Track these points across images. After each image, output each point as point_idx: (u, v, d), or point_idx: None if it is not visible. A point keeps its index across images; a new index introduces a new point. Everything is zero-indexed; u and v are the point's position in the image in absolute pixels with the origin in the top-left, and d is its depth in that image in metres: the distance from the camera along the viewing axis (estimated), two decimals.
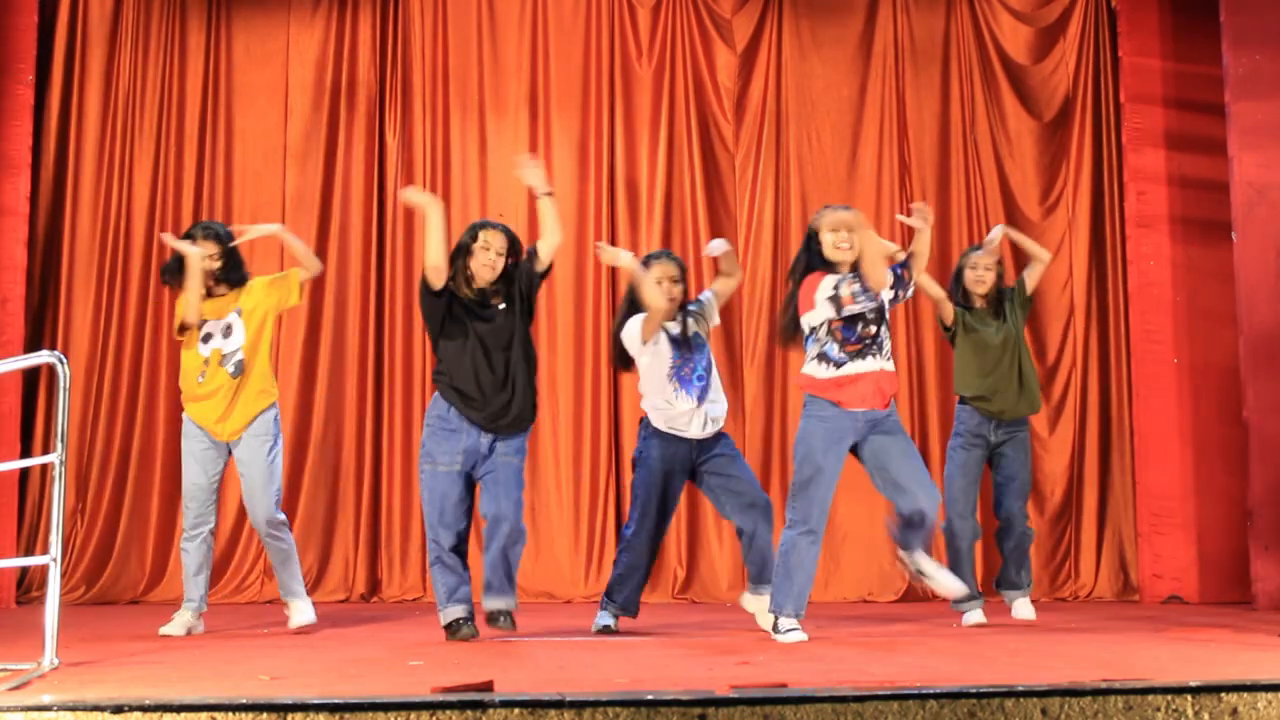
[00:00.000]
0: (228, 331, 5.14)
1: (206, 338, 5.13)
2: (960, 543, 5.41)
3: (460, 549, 4.64)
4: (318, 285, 7.34)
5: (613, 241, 7.51)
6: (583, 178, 7.56)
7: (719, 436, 5.09)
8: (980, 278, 5.52)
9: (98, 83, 7.48)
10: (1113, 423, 7.37)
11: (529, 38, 7.66)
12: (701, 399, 5.01)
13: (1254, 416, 6.25)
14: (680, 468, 5.06)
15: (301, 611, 5.10)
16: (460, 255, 4.75)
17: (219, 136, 7.53)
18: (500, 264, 4.74)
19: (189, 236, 5.21)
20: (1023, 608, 5.46)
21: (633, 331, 5.04)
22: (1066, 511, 7.31)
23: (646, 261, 5.12)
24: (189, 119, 7.52)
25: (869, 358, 4.59)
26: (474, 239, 4.74)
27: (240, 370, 5.10)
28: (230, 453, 5.14)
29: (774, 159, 7.59)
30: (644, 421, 5.12)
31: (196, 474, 5.07)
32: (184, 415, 5.15)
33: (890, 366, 4.65)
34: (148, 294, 7.35)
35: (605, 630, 5.03)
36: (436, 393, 4.74)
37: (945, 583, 4.69)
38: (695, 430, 5.02)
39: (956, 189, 7.56)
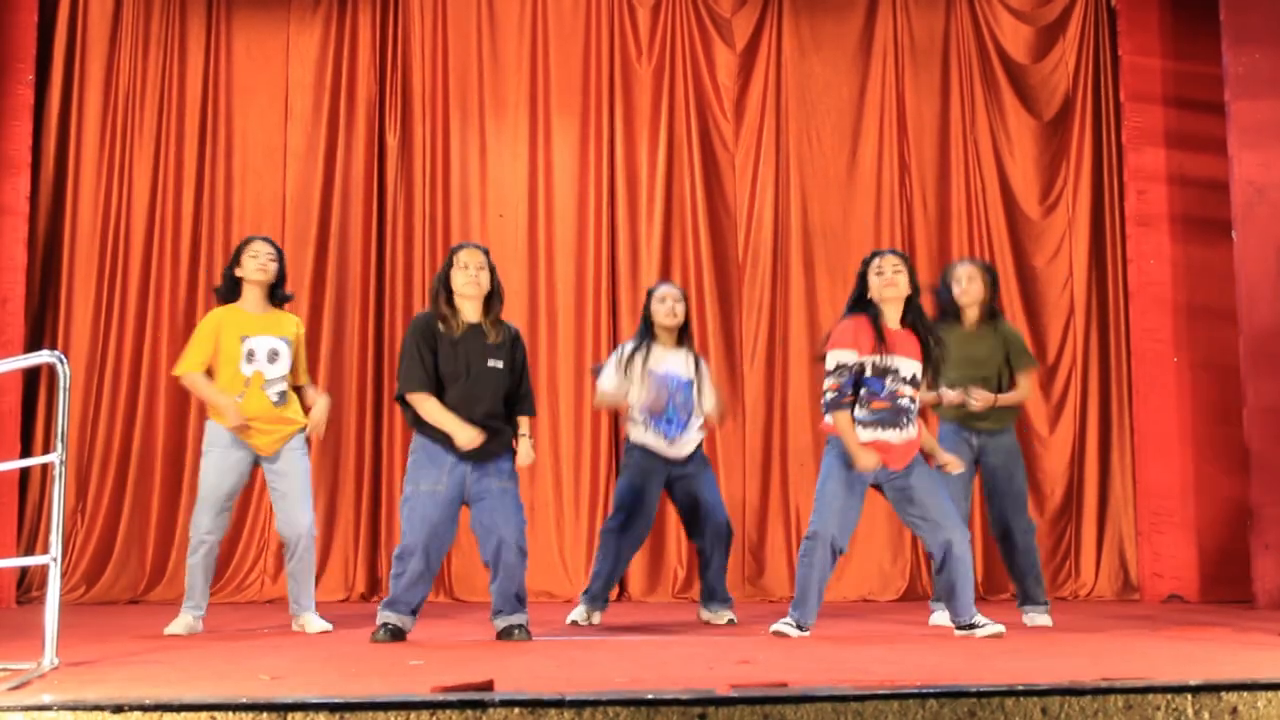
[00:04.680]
0: (273, 357, 5.07)
1: (250, 355, 5.05)
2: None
3: (430, 569, 4.60)
4: (318, 286, 7.35)
5: (613, 240, 7.52)
6: (583, 178, 7.56)
7: (693, 456, 5.50)
8: (965, 290, 5.39)
9: (98, 83, 7.48)
10: (1113, 422, 7.37)
11: (529, 38, 7.66)
12: (671, 437, 5.43)
13: (1254, 416, 6.25)
14: (658, 478, 5.46)
15: (318, 624, 5.07)
16: (441, 286, 4.71)
17: (219, 136, 7.53)
18: (485, 278, 4.70)
19: (239, 249, 5.17)
20: (1042, 618, 5.30)
21: (602, 382, 5.55)
22: (1066, 511, 7.31)
23: (651, 292, 5.62)
24: (189, 119, 7.52)
25: (890, 428, 4.61)
26: (450, 264, 4.72)
27: (283, 400, 5.08)
28: (256, 465, 5.10)
29: (774, 158, 7.59)
30: (628, 436, 5.56)
31: (217, 482, 5.01)
32: (210, 422, 5.07)
33: (913, 433, 4.66)
34: (148, 294, 7.36)
35: (574, 624, 5.40)
36: (411, 419, 4.69)
37: (993, 629, 4.61)
38: (670, 452, 5.46)
39: (956, 188, 7.56)
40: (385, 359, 7.41)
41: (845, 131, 7.64)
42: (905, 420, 4.61)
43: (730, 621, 5.40)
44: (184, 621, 4.98)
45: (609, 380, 5.51)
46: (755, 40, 7.69)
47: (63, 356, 3.84)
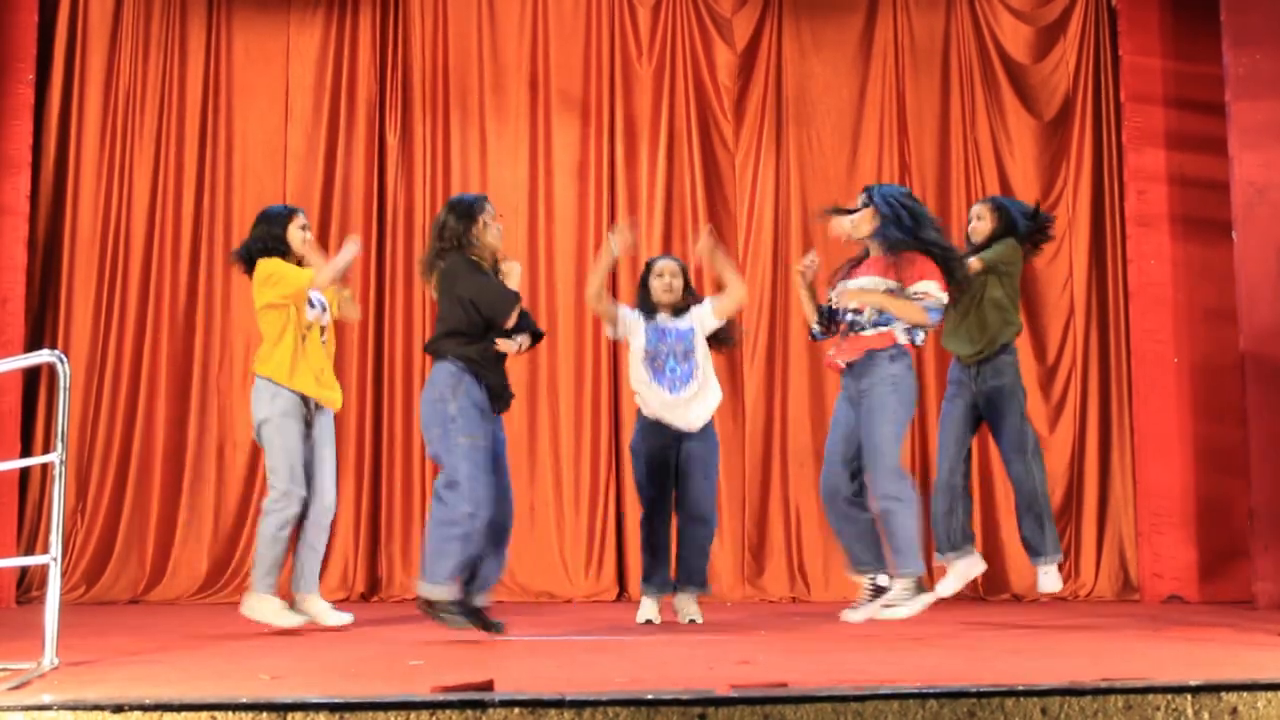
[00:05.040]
0: (324, 307, 5.23)
1: (310, 303, 5.15)
2: (936, 500, 5.36)
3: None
4: None
5: None
6: (583, 177, 7.56)
7: (704, 432, 5.42)
8: (974, 229, 5.51)
9: (98, 83, 7.48)
10: (1113, 422, 7.37)
11: (529, 38, 7.66)
12: (675, 389, 5.35)
13: (1254, 416, 6.25)
14: (669, 452, 5.41)
15: (336, 615, 5.08)
16: (470, 226, 4.64)
17: (219, 137, 7.53)
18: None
19: (284, 212, 5.21)
20: (1045, 578, 5.25)
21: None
22: (1067, 510, 7.30)
23: (649, 265, 5.58)
24: (189, 119, 7.52)
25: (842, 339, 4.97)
26: (481, 218, 4.66)
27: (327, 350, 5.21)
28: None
29: (774, 159, 7.59)
30: (638, 410, 5.50)
31: (293, 446, 4.99)
32: (279, 388, 4.99)
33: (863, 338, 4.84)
34: (148, 293, 7.36)
35: (648, 623, 5.37)
36: (462, 367, 4.51)
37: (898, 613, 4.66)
38: (678, 421, 5.36)
39: (956, 189, 7.56)
40: (384, 359, 7.41)
41: (845, 132, 7.64)
42: (851, 330, 4.85)
43: (692, 621, 5.39)
44: (275, 603, 4.93)
45: (616, 311, 5.51)
46: (755, 40, 7.69)
47: (63, 356, 3.84)
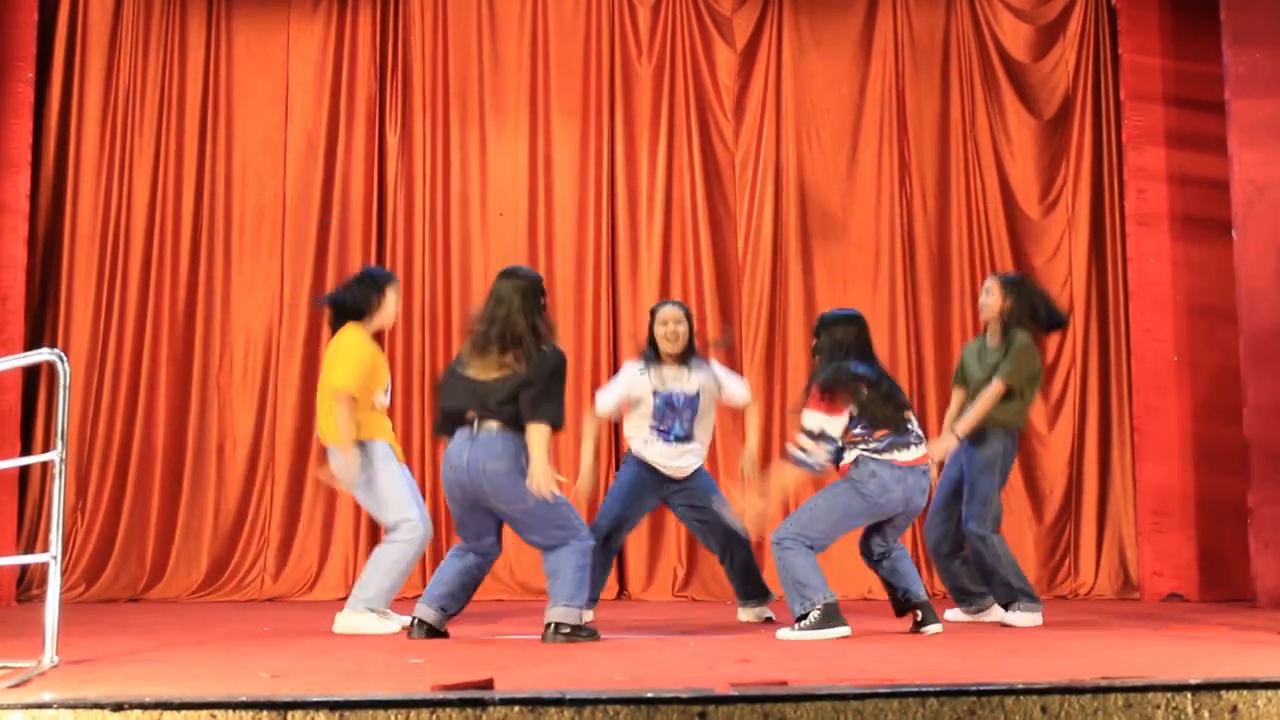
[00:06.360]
0: (386, 390, 5.23)
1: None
2: (938, 573, 5.61)
3: None
4: (317, 285, 7.33)
5: (613, 240, 7.52)
6: (583, 178, 7.56)
7: (695, 474, 5.48)
8: (983, 305, 5.43)
9: (98, 81, 7.48)
10: (1113, 420, 7.37)
11: (529, 38, 7.66)
12: (670, 442, 5.40)
13: (1254, 416, 6.25)
14: (652, 491, 5.46)
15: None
16: (543, 310, 4.66)
17: (219, 135, 7.53)
18: None
19: (383, 279, 5.20)
20: (1013, 616, 5.25)
21: (600, 400, 5.57)
22: (1066, 509, 7.30)
23: (653, 312, 5.57)
24: (189, 118, 7.52)
25: None
26: (545, 301, 4.68)
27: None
28: None
29: (774, 157, 7.59)
30: (628, 450, 5.55)
31: (406, 480, 5.09)
32: (379, 442, 5.02)
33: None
34: (148, 292, 7.36)
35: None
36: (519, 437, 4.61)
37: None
38: (671, 470, 5.42)
39: (956, 188, 7.56)
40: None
41: (845, 130, 7.63)
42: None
43: (768, 619, 5.40)
44: (370, 615, 4.91)
45: (606, 402, 5.51)
46: (755, 39, 7.69)
47: (63, 354, 3.84)
